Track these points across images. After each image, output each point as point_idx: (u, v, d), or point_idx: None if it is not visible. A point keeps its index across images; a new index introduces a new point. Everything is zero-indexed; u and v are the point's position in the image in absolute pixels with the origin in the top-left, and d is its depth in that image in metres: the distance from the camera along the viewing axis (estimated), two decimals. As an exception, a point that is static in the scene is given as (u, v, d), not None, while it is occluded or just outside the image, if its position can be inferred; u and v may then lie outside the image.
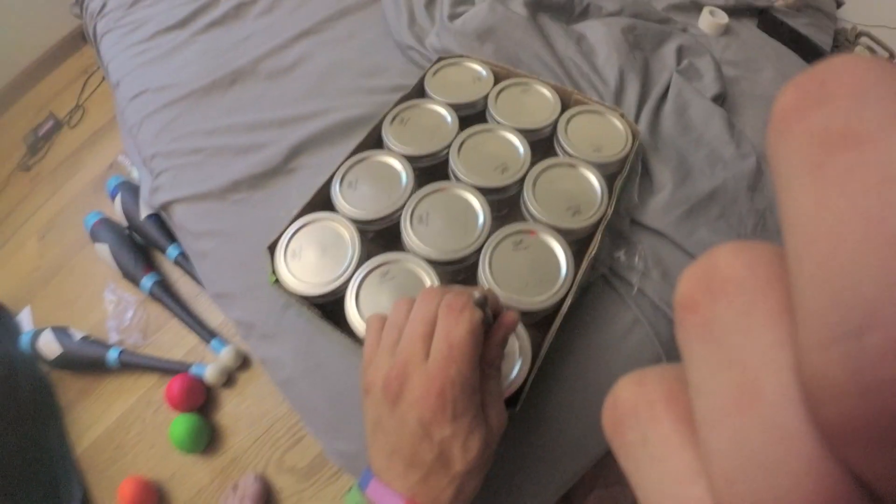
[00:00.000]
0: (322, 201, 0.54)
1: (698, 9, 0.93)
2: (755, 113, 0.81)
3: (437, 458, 0.33)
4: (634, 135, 0.58)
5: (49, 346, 1.06)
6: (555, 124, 0.57)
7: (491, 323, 0.37)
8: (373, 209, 0.52)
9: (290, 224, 0.53)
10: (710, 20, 0.90)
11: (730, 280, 0.09)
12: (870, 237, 0.06)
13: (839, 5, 1.20)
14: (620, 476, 0.88)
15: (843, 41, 1.26)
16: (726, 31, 0.92)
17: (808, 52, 0.97)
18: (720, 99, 0.77)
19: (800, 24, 1.01)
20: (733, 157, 0.70)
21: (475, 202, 0.51)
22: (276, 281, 0.52)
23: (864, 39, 1.24)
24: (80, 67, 1.78)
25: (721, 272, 0.09)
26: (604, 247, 0.59)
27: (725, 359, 0.08)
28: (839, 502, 0.07)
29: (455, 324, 0.33)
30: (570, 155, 0.55)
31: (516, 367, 0.46)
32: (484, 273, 0.48)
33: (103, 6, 1.11)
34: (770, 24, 1.00)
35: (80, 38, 1.78)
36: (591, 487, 0.84)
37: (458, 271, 0.51)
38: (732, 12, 0.95)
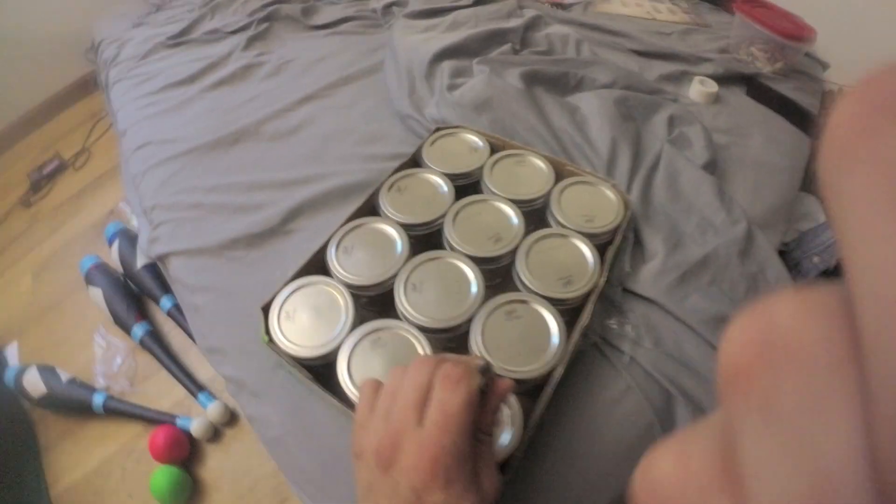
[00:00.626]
0: (317, 265, 0.55)
1: (688, 78, 0.97)
2: (745, 178, 0.83)
3: None
4: (626, 205, 0.60)
5: (34, 384, 1.04)
6: (548, 195, 0.59)
7: (486, 391, 0.37)
8: (367, 275, 0.53)
9: (284, 286, 0.53)
10: (700, 89, 0.94)
11: (794, 346, 0.08)
12: None
13: (825, 68, 1.24)
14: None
15: (831, 103, 1.31)
16: (716, 99, 0.96)
17: (796, 115, 1.01)
18: (711, 166, 0.79)
19: (787, 89, 1.05)
20: (724, 223, 0.71)
21: (468, 271, 0.52)
22: (270, 341, 0.52)
23: (850, 99, 1.29)
24: (90, 112, 1.82)
25: (782, 334, 0.08)
26: (595, 316, 0.59)
27: (793, 443, 0.07)
28: None
29: (452, 393, 0.34)
30: (562, 226, 0.57)
31: (507, 436, 0.45)
32: (476, 341, 0.48)
33: (117, 55, 1.15)
34: (758, 90, 1.04)
35: (92, 83, 1.83)
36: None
37: (450, 339, 0.51)
38: (721, 81, 0.99)
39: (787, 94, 1.04)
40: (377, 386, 0.39)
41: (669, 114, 0.80)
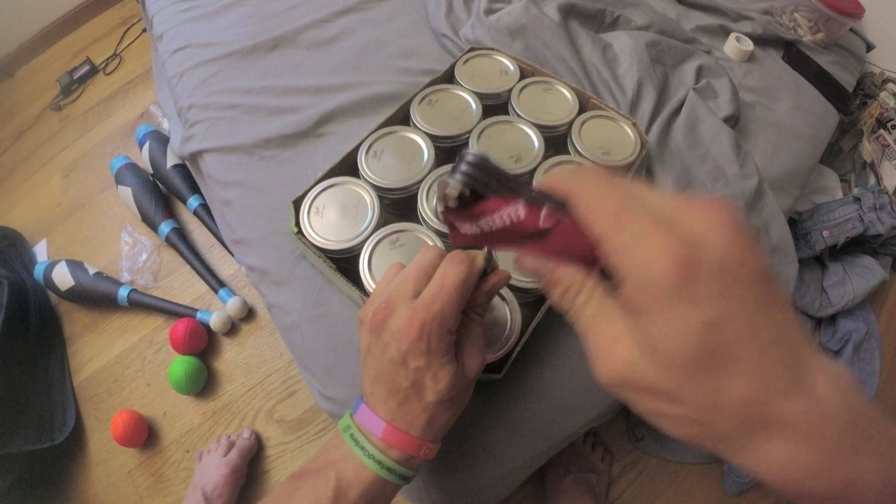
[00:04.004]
0: (348, 166, 0.59)
1: (726, 34, 0.96)
2: (766, 139, 0.84)
3: (411, 386, 0.36)
4: (643, 143, 0.62)
5: (62, 277, 1.10)
6: (570, 124, 0.61)
7: (485, 274, 0.40)
8: (394, 179, 0.56)
9: (316, 183, 0.57)
10: (735, 46, 0.93)
11: None
12: None
13: (870, 48, 1.21)
14: (595, 465, 0.92)
15: (869, 85, 1.28)
16: (750, 58, 0.96)
17: (830, 89, 1.00)
18: (732, 120, 0.80)
19: (825, 62, 1.03)
20: (736, 175, 0.73)
21: (488, 185, 0.55)
22: (299, 232, 0.56)
23: (890, 86, 1.26)
24: (121, 17, 1.82)
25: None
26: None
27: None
28: None
29: (453, 268, 0.36)
30: (580, 154, 0.59)
31: (509, 340, 0.50)
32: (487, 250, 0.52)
33: (152, -40, 1.14)
34: (795, 57, 1.02)
35: (124, -12, 1.82)
36: (567, 471, 0.88)
37: (464, 247, 0.55)
38: (759, 41, 0.98)
39: (824, 67, 1.03)
40: (399, 268, 0.42)
41: (699, 63, 0.81)
